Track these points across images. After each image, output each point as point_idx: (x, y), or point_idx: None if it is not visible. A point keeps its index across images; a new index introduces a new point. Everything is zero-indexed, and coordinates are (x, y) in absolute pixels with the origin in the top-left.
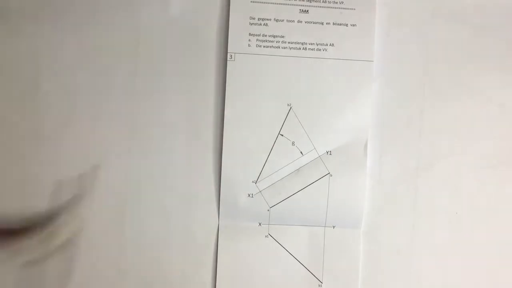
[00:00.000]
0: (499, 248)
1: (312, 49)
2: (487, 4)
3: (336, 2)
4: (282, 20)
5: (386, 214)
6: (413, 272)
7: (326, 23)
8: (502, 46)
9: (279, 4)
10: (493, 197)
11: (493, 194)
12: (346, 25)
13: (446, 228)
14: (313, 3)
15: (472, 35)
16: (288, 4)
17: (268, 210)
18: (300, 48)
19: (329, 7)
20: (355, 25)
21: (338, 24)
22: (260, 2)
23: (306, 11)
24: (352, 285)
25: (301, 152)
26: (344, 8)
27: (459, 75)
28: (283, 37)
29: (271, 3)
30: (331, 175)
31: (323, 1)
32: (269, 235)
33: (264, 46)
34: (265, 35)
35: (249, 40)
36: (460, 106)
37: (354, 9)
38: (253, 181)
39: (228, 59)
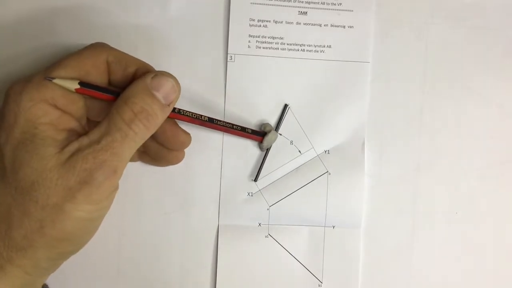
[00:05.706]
0: (499, 248)
1: (310, 51)
2: (487, 4)
3: (334, 4)
4: (281, 22)
5: (386, 214)
6: (413, 272)
7: (324, 25)
8: (502, 46)
9: (278, 5)
10: (493, 197)
11: (493, 194)
12: (344, 26)
13: (446, 228)
14: (312, 5)
15: (472, 35)
16: (287, 6)
17: (268, 209)
18: (298, 50)
19: (327, 9)
20: (352, 26)
21: (335, 26)
22: (259, 4)
23: (305, 13)
24: (352, 285)
25: (299, 151)
26: (342, 10)
27: (458, 75)
28: (282, 38)
29: (270, 4)
30: (329, 174)
31: (321, 3)
32: (269, 235)
33: (263, 48)
34: (265, 37)
35: (249, 42)
36: (459, 106)
37: (352, 10)
38: (252, 180)
39: (228, 60)
